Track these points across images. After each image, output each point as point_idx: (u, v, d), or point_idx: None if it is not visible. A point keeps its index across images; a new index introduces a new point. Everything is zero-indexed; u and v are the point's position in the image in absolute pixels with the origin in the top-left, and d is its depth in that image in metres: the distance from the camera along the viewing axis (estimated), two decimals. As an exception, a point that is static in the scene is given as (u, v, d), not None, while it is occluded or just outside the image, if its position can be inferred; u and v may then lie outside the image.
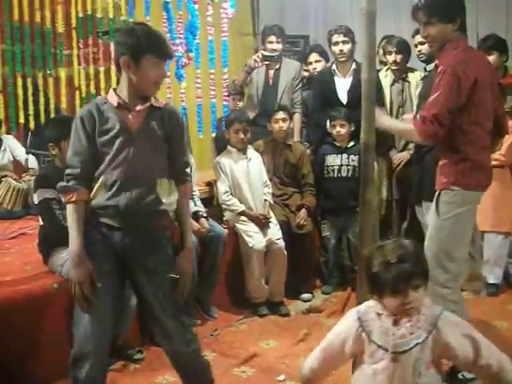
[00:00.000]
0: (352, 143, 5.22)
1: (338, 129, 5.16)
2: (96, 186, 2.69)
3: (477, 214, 4.97)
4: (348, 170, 5.22)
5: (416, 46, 5.22)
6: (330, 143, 5.28)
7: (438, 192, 3.36)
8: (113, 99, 2.72)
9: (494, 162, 4.85)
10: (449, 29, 3.27)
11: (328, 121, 5.22)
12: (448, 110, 3.15)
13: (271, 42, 5.61)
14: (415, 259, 2.22)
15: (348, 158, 5.21)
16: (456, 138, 3.26)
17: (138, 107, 2.71)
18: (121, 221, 2.71)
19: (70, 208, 2.68)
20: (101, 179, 2.69)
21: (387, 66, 5.54)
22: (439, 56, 3.34)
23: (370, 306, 2.34)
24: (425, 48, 5.06)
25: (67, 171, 2.70)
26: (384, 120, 3.56)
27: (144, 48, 2.62)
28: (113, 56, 2.76)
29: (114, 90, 2.76)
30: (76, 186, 2.67)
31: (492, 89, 3.35)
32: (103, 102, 2.73)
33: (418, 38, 5.13)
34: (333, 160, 5.24)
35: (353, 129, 5.19)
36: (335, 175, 5.24)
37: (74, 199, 2.66)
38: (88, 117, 2.70)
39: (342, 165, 5.22)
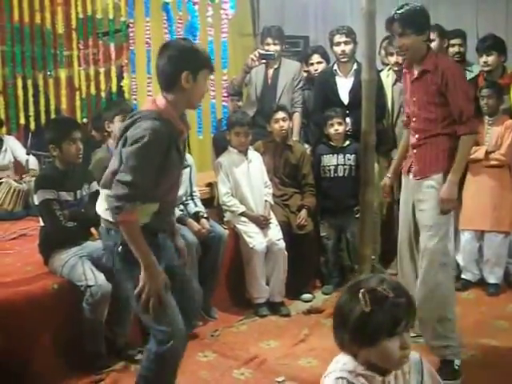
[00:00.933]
0: (347, 142, 5.23)
1: (336, 127, 5.16)
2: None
3: (475, 213, 5.00)
4: (344, 170, 5.22)
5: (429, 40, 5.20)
6: (325, 143, 5.29)
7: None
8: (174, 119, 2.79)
9: (493, 162, 4.89)
10: (420, 40, 3.59)
11: (325, 120, 5.23)
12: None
13: (268, 44, 5.60)
14: (407, 295, 1.92)
15: (344, 157, 5.21)
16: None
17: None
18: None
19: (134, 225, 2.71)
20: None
21: (389, 66, 5.54)
22: (424, 62, 3.60)
23: (348, 367, 1.96)
24: (433, 45, 5.06)
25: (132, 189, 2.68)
26: (453, 185, 3.59)
27: (202, 63, 2.79)
28: (165, 71, 2.77)
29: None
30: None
31: None
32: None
33: None
34: (329, 160, 5.25)
35: (348, 128, 5.21)
36: (332, 175, 5.24)
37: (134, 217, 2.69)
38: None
39: (338, 164, 5.22)
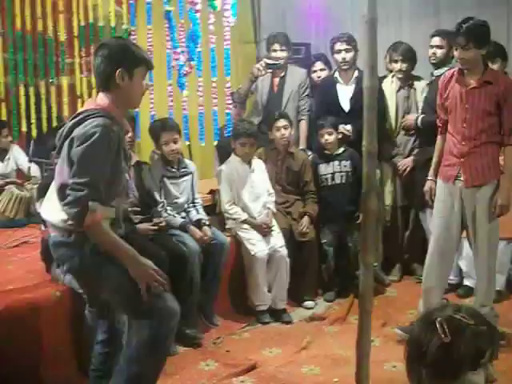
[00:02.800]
0: (342, 149, 5.24)
1: (325, 137, 5.17)
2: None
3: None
4: (341, 177, 5.23)
5: (431, 47, 5.19)
6: (320, 152, 5.30)
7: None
8: (119, 117, 2.76)
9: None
10: (480, 53, 3.82)
11: (316, 130, 5.25)
12: None
13: (275, 50, 5.60)
14: (488, 323, 1.76)
15: (340, 164, 5.22)
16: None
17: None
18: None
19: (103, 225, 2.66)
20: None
21: (393, 73, 5.54)
22: (486, 74, 3.90)
23: None
24: (440, 52, 5.08)
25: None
26: (509, 191, 3.94)
27: (137, 60, 2.73)
28: (100, 70, 2.74)
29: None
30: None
31: None
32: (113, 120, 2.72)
33: (434, 41, 5.13)
34: (325, 169, 5.25)
35: (340, 136, 5.22)
36: (329, 183, 5.25)
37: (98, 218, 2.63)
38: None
39: (334, 172, 5.23)
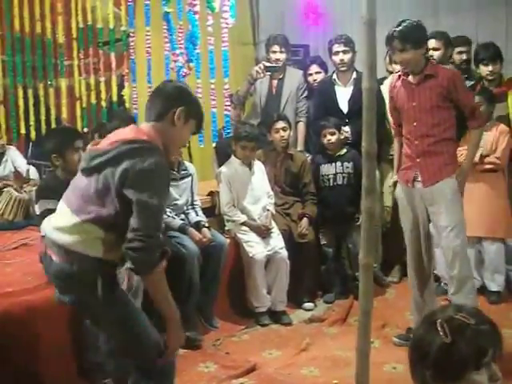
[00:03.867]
0: (344, 150, 5.24)
1: (328, 137, 5.17)
2: None
3: (470, 219, 4.99)
4: (343, 178, 5.22)
5: (427, 50, 5.19)
6: (322, 153, 5.30)
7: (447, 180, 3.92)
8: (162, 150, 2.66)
9: (488, 166, 4.88)
10: (419, 53, 3.85)
11: (319, 130, 5.25)
12: None
13: (274, 52, 5.61)
14: (490, 322, 1.76)
15: (342, 165, 5.22)
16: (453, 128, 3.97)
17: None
18: None
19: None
20: None
21: (393, 74, 5.53)
22: (425, 69, 3.89)
23: None
24: (437, 54, 5.07)
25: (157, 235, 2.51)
26: (467, 173, 4.08)
27: (197, 114, 2.73)
28: (161, 103, 2.68)
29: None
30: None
31: None
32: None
33: (431, 44, 5.13)
34: (327, 169, 5.25)
35: (343, 136, 5.23)
36: (331, 184, 5.25)
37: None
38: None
39: (336, 173, 5.23)
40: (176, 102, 2.65)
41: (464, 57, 5.38)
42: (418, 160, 3.93)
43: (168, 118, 2.63)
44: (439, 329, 1.68)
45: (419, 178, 3.94)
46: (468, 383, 1.66)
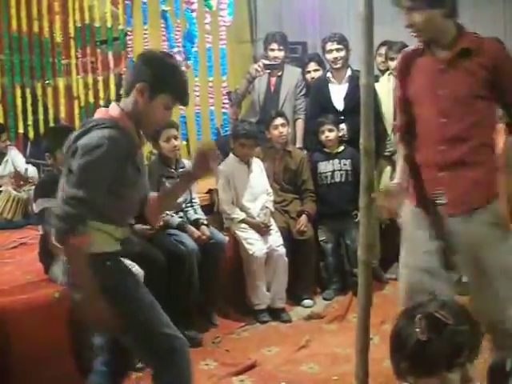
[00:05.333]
0: (342, 148, 5.25)
1: (326, 134, 5.18)
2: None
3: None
4: (341, 175, 5.23)
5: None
6: (320, 150, 5.31)
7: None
8: (131, 130, 2.53)
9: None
10: (437, 14, 2.66)
11: (317, 127, 5.26)
12: None
13: (273, 50, 5.63)
14: (471, 322, 1.72)
15: (340, 162, 5.23)
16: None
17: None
18: None
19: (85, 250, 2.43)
20: None
21: (389, 71, 5.53)
22: (459, 41, 2.70)
23: None
24: None
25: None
26: None
27: (167, 86, 2.49)
28: (127, 78, 2.56)
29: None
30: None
31: None
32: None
33: None
34: (325, 167, 5.26)
35: (341, 134, 5.24)
36: (329, 181, 5.26)
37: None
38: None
39: (334, 170, 5.24)
40: (138, 77, 2.48)
41: None
42: (442, 174, 2.73)
43: (132, 94, 2.48)
44: (417, 325, 1.68)
45: (443, 200, 2.73)
46: (440, 380, 1.67)
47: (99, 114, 2.57)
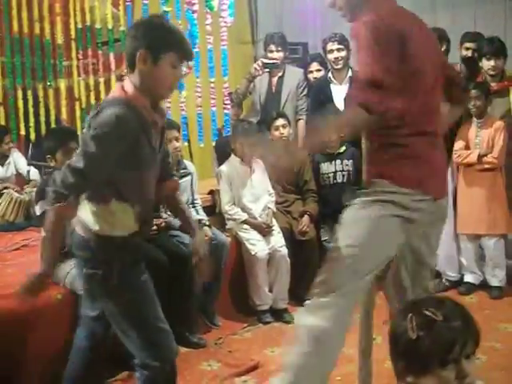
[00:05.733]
0: (344, 148, 5.24)
1: None
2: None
3: (469, 217, 4.97)
4: (343, 176, 5.24)
5: None
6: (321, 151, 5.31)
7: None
8: (144, 107, 2.45)
9: (486, 166, 4.89)
10: None
11: None
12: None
13: (271, 51, 5.64)
14: (465, 318, 1.73)
15: (342, 163, 5.23)
16: None
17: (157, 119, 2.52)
18: None
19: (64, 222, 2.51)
20: None
21: None
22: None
23: None
24: None
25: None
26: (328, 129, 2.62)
27: (167, 44, 2.42)
28: (126, 49, 2.46)
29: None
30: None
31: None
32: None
33: None
34: (327, 168, 5.26)
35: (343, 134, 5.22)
36: (331, 182, 5.27)
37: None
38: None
39: (336, 171, 5.24)
40: (134, 47, 2.41)
41: (470, 53, 5.36)
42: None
43: (136, 64, 2.42)
44: (408, 323, 1.70)
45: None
46: (435, 379, 1.67)
47: (115, 91, 2.53)
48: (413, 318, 1.69)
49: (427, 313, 1.69)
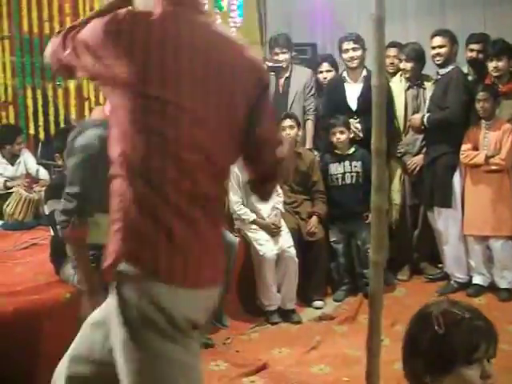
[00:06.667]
0: (353, 149, 5.25)
1: (337, 136, 5.18)
2: None
3: (476, 218, 4.95)
4: (352, 177, 5.24)
5: (434, 48, 5.17)
6: (331, 152, 5.31)
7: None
8: None
9: (493, 167, 4.88)
10: None
11: (328, 129, 5.26)
12: None
13: (276, 54, 5.65)
14: (487, 320, 1.72)
15: (350, 164, 5.23)
16: None
17: None
18: None
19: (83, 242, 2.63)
20: None
21: (400, 72, 5.54)
22: None
23: None
24: (443, 51, 5.06)
25: None
26: None
27: None
28: None
29: None
30: None
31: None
32: None
33: (436, 41, 5.11)
34: (335, 169, 5.26)
35: (352, 135, 5.24)
36: (340, 183, 5.27)
37: None
38: None
39: (345, 172, 5.25)
40: None
41: (475, 54, 5.34)
42: None
43: None
44: (434, 320, 1.68)
45: None
46: (458, 377, 1.65)
47: (94, 113, 2.60)
48: (439, 316, 1.68)
49: (453, 310, 1.69)
